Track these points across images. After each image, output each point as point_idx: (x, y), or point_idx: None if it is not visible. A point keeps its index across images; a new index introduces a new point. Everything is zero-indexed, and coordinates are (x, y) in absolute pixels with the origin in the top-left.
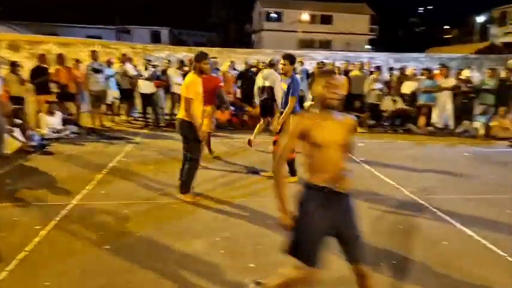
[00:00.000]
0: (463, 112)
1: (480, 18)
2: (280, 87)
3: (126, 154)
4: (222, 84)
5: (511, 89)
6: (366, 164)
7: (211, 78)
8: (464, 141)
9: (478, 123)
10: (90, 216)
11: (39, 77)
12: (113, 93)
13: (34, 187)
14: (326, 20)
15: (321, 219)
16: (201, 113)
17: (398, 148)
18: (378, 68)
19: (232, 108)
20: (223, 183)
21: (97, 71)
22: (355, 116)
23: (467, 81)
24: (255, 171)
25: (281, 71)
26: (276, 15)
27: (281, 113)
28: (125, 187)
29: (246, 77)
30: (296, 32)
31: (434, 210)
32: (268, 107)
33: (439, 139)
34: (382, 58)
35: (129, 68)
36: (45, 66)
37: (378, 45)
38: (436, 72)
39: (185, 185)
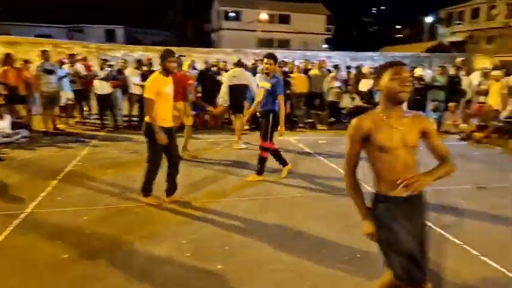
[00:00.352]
0: (416, 108)
1: (429, 19)
2: (254, 84)
3: (83, 158)
4: (191, 82)
5: (459, 85)
6: (327, 160)
7: (181, 76)
8: None
9: (431, 119)
10: (46, 225)
11: None
12: (67, 95)
13: None
14: (284, 19)
15: (407, 233)
16: (170, 114)
17: None
18: (336, 67)
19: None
20: (188, 184)
21: (49, 71)
22: (316, 114)
23: (420, 78)
24: (232, 172)
25: (265, 71)
26: (234, 15)
27: (260, 112)
28: (83, 192)
29: (206, 77)
30: (255, 31)
31: None
32: (239, 105)
33: None
34: (339, 57)
35: (80, 68)
36: None
37: (334, 44)
38: None
39: (144, 188)
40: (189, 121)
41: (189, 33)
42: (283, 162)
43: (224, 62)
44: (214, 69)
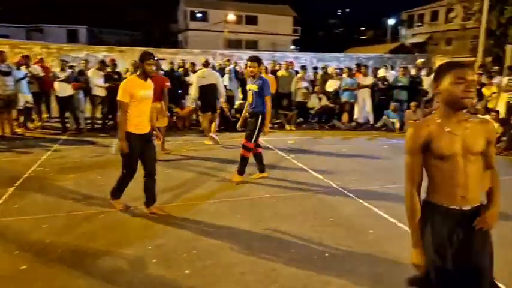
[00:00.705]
0: (381, 108)
1: (391, 21)
2: (222, 84)
3: (43, 163)
4: (168, 84)
5: (420, 85)
6: (296, 159)
7: (158, 77)
8: (383, 135)
9: (395, 118)
10: (2, 235)
11: None
12: (26, 97)
13: None
14: (251, 20)
15: (457, 254)
16: (146, 119)
17: (325, 143)
18: (303, 68)
19: None
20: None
21: (5, 73)
22: (284, 114)
23: (384, 79)
24: (199, 174)
25: (250, 74)
26: (201, 15)
27: (250, 113)
28: (42, 199)
29: (172, 78)
30: (222, 31)
31: (360, 201)
32: (210, 104)
33: (361, 133)
34: (306, 58)
35: (37, 69)
36: None
37: (301, 45)
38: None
39: (112, 192)
40: (164, 122)
41: (156, 34)
42: (261, 168)
43: (193, 63)
44: (181, 70)
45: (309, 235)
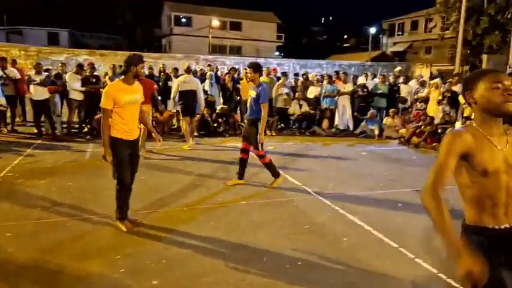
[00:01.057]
0: (360, 114)
1: (373, 29)
2: (201, 92)
3: (14, 168)
4: (156, 87)
5: (398, 92)
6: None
7: (146, 81)
8: (363, 141)
9: (374, 125)
10: None
11: None
12: None
13: None
14: (236, 26)
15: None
16: (134, 125)
17: (305, 149)
18: (284, 74)
19: None
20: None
21: None
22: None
23: (363, 86)
24: (174, 181)
25: (248, 79)
26: (185, 20)
27: (248, 120)
28: (9, 206)
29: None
30: (207, 37)
31: (336, 208)
32: (190, 108)
33: (341, 140)
34: (289, 64)
35: (14, 72)
36: None
37: (285, 52)
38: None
39: (117, 211)
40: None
41: (139, 38)
42: (241, 174)
43: (176, 68)
44: (162, 75)
45: (283, 243)
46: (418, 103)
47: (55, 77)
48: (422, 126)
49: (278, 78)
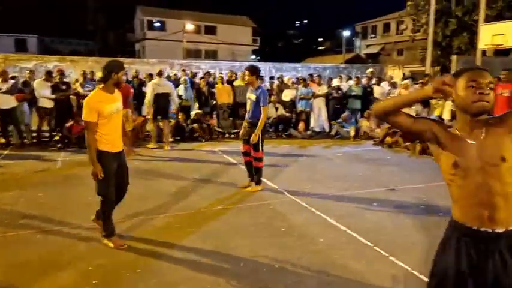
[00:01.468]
0: (335, 116)
1: (346, 32)
2: (175, 94)
3: None
4: (132, 91)
5: (371, 94)
6: None
7: (124, 86)
8: (338, 143)
9: (350, 126)
10: None
11: None
12: None
13: None
14: (210, 30)
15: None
16: (119, 136)
17: (281, 152)
18: (260, 77)
19: None
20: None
21: None
22: (241, 123)
23: (338, 88)
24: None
25: (246, 82)
26: (159, 25)
27: (249, 123)
28: None
29: None
30: (181, 41)
31: (313, 209)
32: (163, 111)
33: (317, 141)
34: (265, 67)
35: None
36: None
37: (261, 55)
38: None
39: (105, 229)
40: (130, 126)
41: (111, 43)
42: (253, 176)
43: (150, 74)
44: (135, 80)
45: (260, 246)
46: None
47: (22, 84)
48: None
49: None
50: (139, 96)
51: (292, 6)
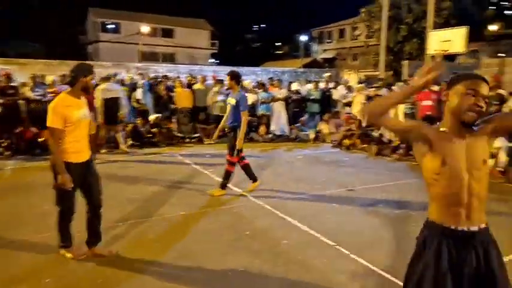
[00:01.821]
0: (295, 119)
1: (304, 37)
2: (124, 97)
3: None
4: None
5: (330, 98)
6: (214, 174)
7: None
8: (299, 146)
9: (309, 129)
10: None
11: None
12: None
13: None
14: (167, 33)
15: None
16: (85, 144)
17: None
18: (220, 81)
19: None
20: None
21: None
22: (202, 128)
23: (297, 92)
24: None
25: (228, 87)
26: (113, 27)
27: (229, 128)
28: None
29: None
30: (137, 44)
31: (276, 212)
32: (114, 116)
33: (278, 145)
34: (224, 71)
35: None
36: None
37: (221, 59)
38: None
39: (62, 239)
40: (92, 129)
41: (62, 45)
42: (252, 177)
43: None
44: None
45: (224, 251)
46: (346, 107)
47: None
48: (355, 129)
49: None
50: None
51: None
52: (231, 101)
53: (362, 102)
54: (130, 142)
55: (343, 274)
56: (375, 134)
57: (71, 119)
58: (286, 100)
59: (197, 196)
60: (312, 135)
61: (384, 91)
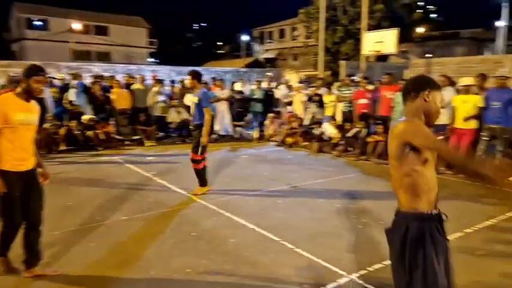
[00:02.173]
0: (239, 119)
1: (245, 37)
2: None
3: None
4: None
5: (272, 97)
6: (156, 176)
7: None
8: (243, 145)
9: (253, 129)
10: None
11: None
12: None
13: None
14: (101, 31)
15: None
16: (29, 151)
17: (187, 157)
18: (160, 81)
19: None
20: None
21: None
22: (143, 129)
23: (240, 92)
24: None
25: (189, 86)
26: (40, 23)
27: (194, 126)
28: None
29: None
30: (68, 42)
31: (222, 211)
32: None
33: (223, 145)
34: (164, 71)
35: None
36: None
37: (161, 58)
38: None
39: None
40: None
41: None
42: (203, 182)
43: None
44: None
45: (170, 253)
46: (287, 106)
47: None
48: (297, 127)
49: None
50: None
51: (190, 9)
52: (194, 99)
53: (302, 101)
54: (63, 147)
55: (288, 268)
56: (316, 131)
57: (11, 120)
58: (230, 100)
59: (139, 200)
60: (255, 135)
61: (322, 90)
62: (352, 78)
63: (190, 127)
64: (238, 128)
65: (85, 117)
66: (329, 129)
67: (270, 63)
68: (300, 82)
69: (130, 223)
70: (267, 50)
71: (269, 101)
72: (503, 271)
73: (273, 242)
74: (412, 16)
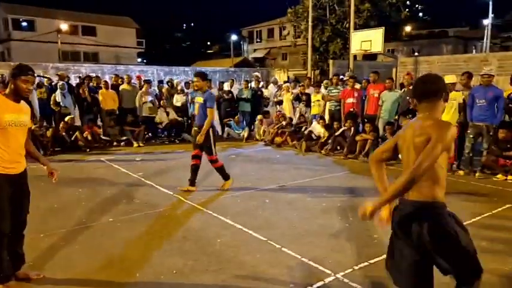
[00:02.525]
0: (227, 119)
1: (234, 36)
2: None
3: None
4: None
5: (261, 97)
6: (144, 177)
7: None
8: (232, 145)
9: (241, 128)
10: None
11: None
12: None
13: None
14: (89, 31)
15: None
16: (20, 154)
17: (175, 157)
18: (148, 82)
19: None
20: None
21: None
22: (130, 130)
23: (229, 91)
24: None
25: (195, 88)
26: (26, 24)
27: (198, 126)
28: None
29: None
30: (56, 42)
31: (209, 211)
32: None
33: None
34: (152, 71)
35: None
36: None
37: (149, 58)
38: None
39: None
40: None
41: None
42: (193, 181)
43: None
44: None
45: (156, 255)
46: (277, 105)
47: None
48: (286, 127)
49: (140, 87)
50: None
51: (179, 9)
52: (199, 99)
53: (290, 99)
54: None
55: (275, 267)
56: (304, 131)
57: (1, 121)
58: (218, 100)
59: (126, 201)
60: (244, 135)
61: (310, 89)
62: (341, 77)
63: (194, 128)
64: (226, 128)
65: (67, 118)
66: (317, 128)
67: (259, 62)
68: (289, 81)
69: (116, 225)
70: (255, 49)
71: (258, 101)
72: (489, 267)
73: (260, 241)
74: (399, 15)
